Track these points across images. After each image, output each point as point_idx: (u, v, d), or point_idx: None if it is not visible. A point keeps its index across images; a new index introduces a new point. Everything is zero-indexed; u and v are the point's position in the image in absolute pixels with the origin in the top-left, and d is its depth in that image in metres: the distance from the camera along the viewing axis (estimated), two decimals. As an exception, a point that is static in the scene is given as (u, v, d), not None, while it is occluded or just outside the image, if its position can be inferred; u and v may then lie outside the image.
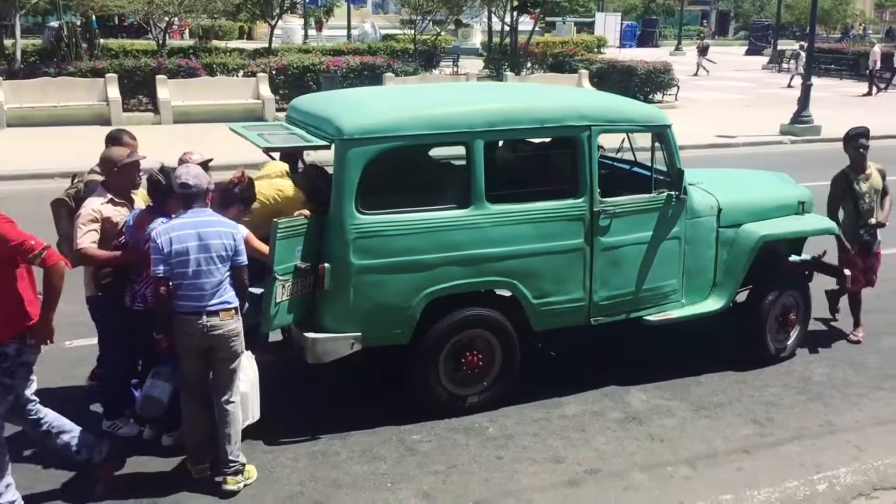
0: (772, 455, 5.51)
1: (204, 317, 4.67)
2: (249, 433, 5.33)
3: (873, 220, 7.28)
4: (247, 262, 4.84)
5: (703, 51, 34.51)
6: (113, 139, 5.66)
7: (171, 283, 4.67)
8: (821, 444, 5.64)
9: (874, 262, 7.45)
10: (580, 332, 6.33)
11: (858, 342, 7.33)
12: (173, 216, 4.87)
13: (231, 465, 4.87)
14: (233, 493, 4.84)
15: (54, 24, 22.18)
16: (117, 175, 5.18)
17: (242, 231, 4.98)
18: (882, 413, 6.11)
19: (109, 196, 5.18)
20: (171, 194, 4.91)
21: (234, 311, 4.78)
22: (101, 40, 22.55)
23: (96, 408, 5.75)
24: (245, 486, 4.92)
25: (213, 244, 4.68)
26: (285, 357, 5.97)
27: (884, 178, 7.37)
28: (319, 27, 39.90)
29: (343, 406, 6.00)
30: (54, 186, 13.04)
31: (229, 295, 4.76)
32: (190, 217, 4.73)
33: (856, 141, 7.25)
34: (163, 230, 4.69)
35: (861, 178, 7.28)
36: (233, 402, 4.88)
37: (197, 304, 4.67)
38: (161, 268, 4.63)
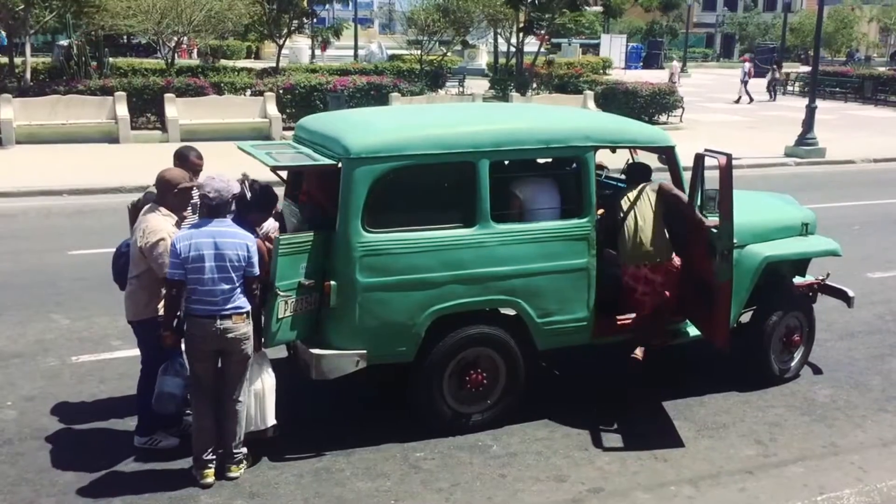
0: (775, 476, 5.50)
1: (218, 320, 4.93)
2: (253, 449, 5.37)
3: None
4: (258, 273, 5.05)
5: (548, 63, 34.48)
6: (181, 156, 5.83)
7: (185, 287, 4.95)
8: (824, 466, 5.64)
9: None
10: (584, 351, 6.35)
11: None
12: (258, 229, 5.23)
13: (235, 456, 5.22)
14: (235, 478, 5.20)
15: (64, 42, 22.39)
16: (175, 196, 5.32)
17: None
18: (886, 435, 6.11)
19: (175, 217, 5.33)
20: (253, 207, 5.24)
21: (245, 315, 5.02)
22: (111, 59, 22.79)
23: (102, 424, 5.79)
24: (244, 471, 5.27)
25: (228, 254, 4.93)
26: (289, 373, 6.00)
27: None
28: (324, 48, 40.17)
29: (346, 423, 6.01)
30: (62, 203, 13.23)
31: (241, 300, 5.01)
32: (210, 226, 4.97)
33: None
34: (183, 236, 4.96)
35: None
36: (241, 401, 5.14)
37: (211, 308, 4.93)
38: (176, 272, 4.91)
